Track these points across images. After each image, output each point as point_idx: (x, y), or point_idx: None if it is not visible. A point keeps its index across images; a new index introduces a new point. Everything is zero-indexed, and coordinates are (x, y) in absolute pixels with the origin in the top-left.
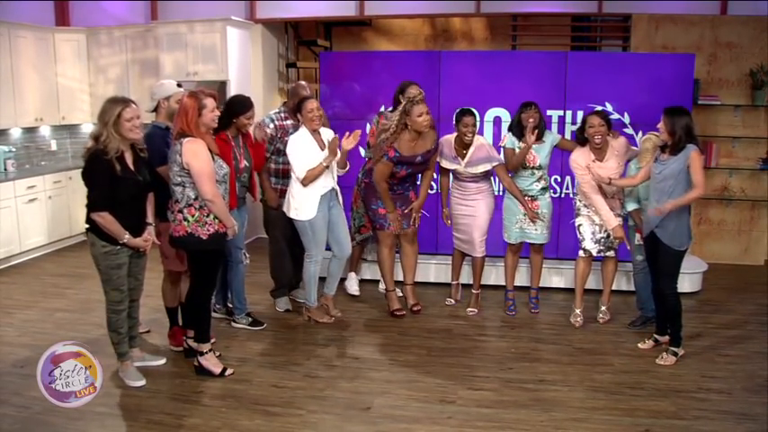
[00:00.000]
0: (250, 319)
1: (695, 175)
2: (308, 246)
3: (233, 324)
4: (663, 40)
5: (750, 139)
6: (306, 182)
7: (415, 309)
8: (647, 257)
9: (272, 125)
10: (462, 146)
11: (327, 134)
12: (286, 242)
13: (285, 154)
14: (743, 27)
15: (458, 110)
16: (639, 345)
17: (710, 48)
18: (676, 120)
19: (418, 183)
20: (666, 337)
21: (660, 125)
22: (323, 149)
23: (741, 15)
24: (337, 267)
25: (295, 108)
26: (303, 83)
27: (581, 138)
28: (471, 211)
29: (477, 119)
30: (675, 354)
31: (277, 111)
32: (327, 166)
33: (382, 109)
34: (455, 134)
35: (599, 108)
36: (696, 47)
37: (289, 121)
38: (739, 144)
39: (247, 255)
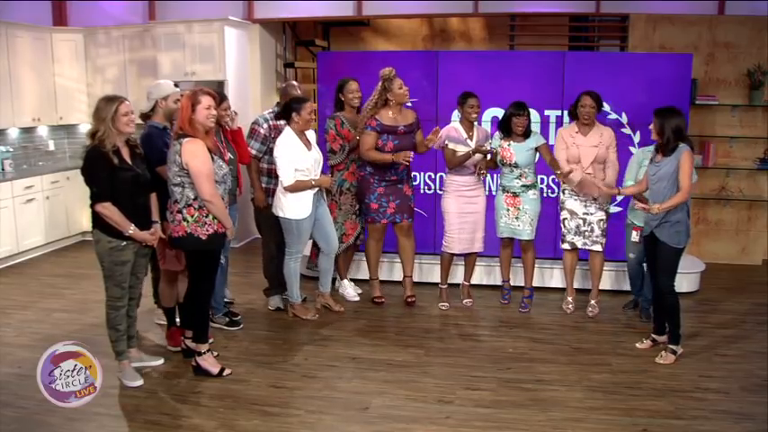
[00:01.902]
0: (227, 319)
1: (681, 178)
2: (290, 243)
3: (211, 323)
4: (660, 40)
5: (748, 138)
6: (291, 190)
7: (409, 300)
8: (648, 257)
9: (265, 125)
10: (468, 128)
11: (312, 135)
12: (278, 242)
13: None
14: (740, 27)
15: (461, 93)
16: (637, 344)
17: (708, 48)
18: (666, 121)
19: (414, 182)
20: (664, 337)
21: (651, 126)
22: (309, 149)
23: (739, 15)
24: (327, 263)
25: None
26: (294, 82)
27: (573, 112)
28: (475, 208)
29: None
30: (675, 352)
31: (270, 111)
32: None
33: (343, 119)
34: (456, 121)
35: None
36: (694, 47)
37: (282, 121)
38: (737, 144)
39: (225, 256)
